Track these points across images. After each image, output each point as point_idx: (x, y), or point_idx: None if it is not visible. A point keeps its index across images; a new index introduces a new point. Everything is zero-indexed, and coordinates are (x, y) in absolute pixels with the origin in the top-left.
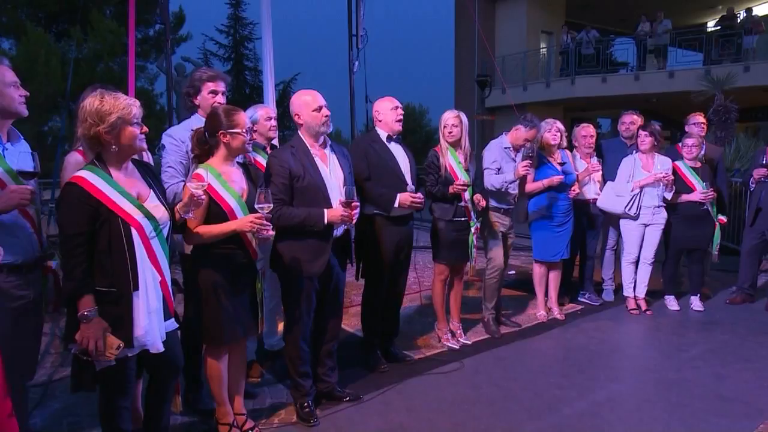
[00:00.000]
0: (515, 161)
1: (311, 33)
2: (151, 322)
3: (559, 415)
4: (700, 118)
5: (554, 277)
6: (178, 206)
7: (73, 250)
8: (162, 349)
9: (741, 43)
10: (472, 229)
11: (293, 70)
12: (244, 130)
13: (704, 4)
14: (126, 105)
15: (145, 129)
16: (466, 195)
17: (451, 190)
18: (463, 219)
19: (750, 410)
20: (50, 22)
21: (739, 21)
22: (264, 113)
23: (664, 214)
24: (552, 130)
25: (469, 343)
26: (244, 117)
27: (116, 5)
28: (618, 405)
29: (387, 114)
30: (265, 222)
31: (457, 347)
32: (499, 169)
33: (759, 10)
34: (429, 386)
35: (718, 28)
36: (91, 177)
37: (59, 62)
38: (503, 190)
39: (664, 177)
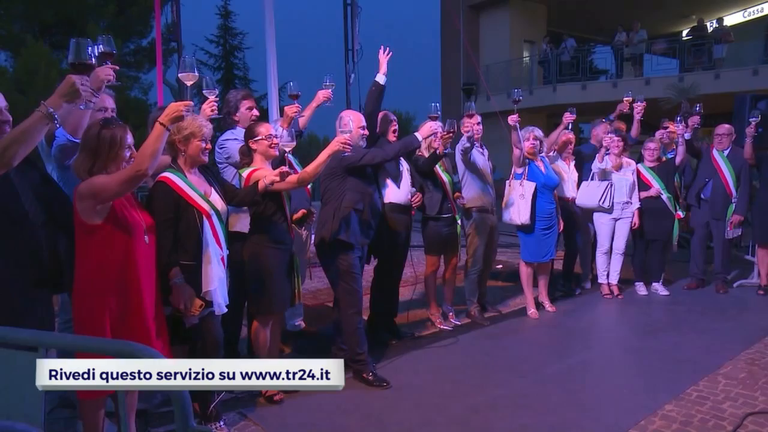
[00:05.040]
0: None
1: (305, 44)
2: (218, 287)
3: (540, 374)
4: (669, 126)
5: (544, 275)
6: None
7: (163, 232)
8: (225, 311)
9: (712, 51)
10: (459, 222)
11: (288, 79)
12: (264, 137)
13: (678, 14)
14: (199, 125)
15: (209, 146)
16: (448, 188)
17: (437, 144)
18: (449, 215)
19: (697, 368)
20: (45, 34)
21: (709, 31)
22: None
23: (631, 209)
24: (530, 138)
25: (460, 323)
26: (265, 127)
27: (111, 17)
28: (590, 366)
29: (385, 126)
30: (347, 140)
31: (450, 329)
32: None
33: (729, 20)
34: (430, 355)
35: (690, 37)
36: (173, 177)
37: (59, 74)
38: (463, 150)
39: (607, 142)
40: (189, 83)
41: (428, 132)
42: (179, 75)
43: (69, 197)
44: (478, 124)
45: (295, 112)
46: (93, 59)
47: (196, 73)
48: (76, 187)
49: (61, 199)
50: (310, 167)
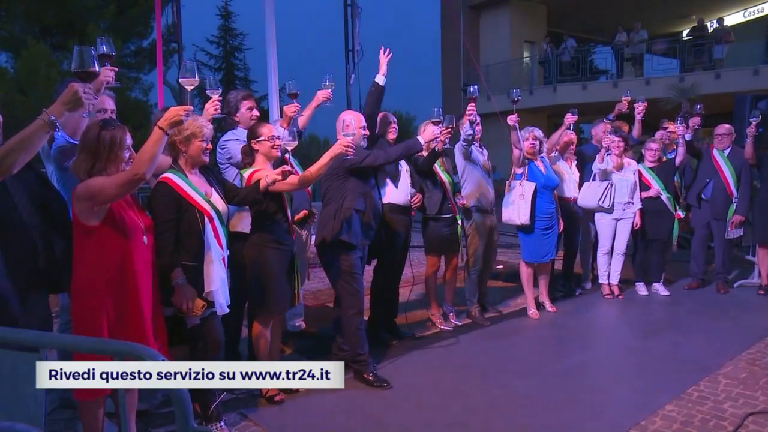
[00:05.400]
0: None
1: (306, 44)
2: (220, 288)
3: (540, 375)
4: (669, 126)
5: (544, 275)
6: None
7: (164, 233)
8: (227, 311)
9: (712, 51)
10: (459, 222)
11: (289, 80)
12: (266, 138)
13: (678, 14)
14: (199, 125)
15: (210, 146)
16: (448, 187)
17: (435, 143)
18: (449, 215)
19: (697, 368)
20: (45, 35)
21: (710, 31)
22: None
23: (633, 209)
24: (530, 138)
25: (461, 324)
26: (268, 128)
27: (112, 18)
28: (591, 367)
29: (384, 128)
30: (350, 143)
31: (450, 329)
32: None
33: (729, 20)
34: (431, 356)
35: (690, 37)
36: (175, 177)
37: (59, 75)
38: (465, 138)
39: (607, 142)
40: (189, 88)
41: (430, 136)
42: (180, 80)
43: (66, 198)
44: (477, 124)
45: (294, 111)
46: (96, 67)
47: (197, 78)
48: (74, 189)
49: (58, 201)
50: (313, 169)
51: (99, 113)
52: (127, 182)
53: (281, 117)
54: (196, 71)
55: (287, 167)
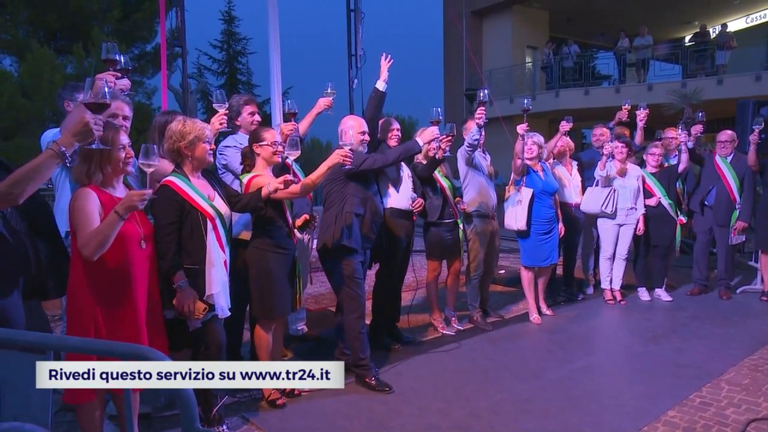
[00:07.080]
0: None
1: (309, 49)
2: (221, 291)
3: (542, 379)
4: (671, 132)
5: (543, 279)
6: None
7: (167, 236)
8: (228, 314)
9: (714, 57)
10: (461, 226)
11: (292, 84)
12: (269, 143)
13: (681, 20)
14: (201, 128)
15: (213, 147)
16: (448, 192)
17: (433, 147)
18: (450, 220)
19: (699, 374)
20: (50, 39)
21: (712, 37)
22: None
23: (635, 215)
24: (528, 143)
25: (463, 328)
26: (271, 133)
27: (116, 23)
28: (592, 371)
29: (385, 133)
30: (348, 153)
31: (452, 334)
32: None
33: (732, 26)
34: (433, 360)
35: (693, 43)
36: (178, 181)
37: (63, 79)
38: (471, 143)
39: (608, 149)
40: (149, 170)
41: (429, 137)
42: (140, 162)
43: (47, 202)
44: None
45: (291, 130)
46: (108, 98)
47: (157, 161)
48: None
49: (39, 205)
50: (312, 177)
51: (109, 117)
52: (79, 247)
53: (283, 122)
54: (155, 155)
55: (289, 176)
